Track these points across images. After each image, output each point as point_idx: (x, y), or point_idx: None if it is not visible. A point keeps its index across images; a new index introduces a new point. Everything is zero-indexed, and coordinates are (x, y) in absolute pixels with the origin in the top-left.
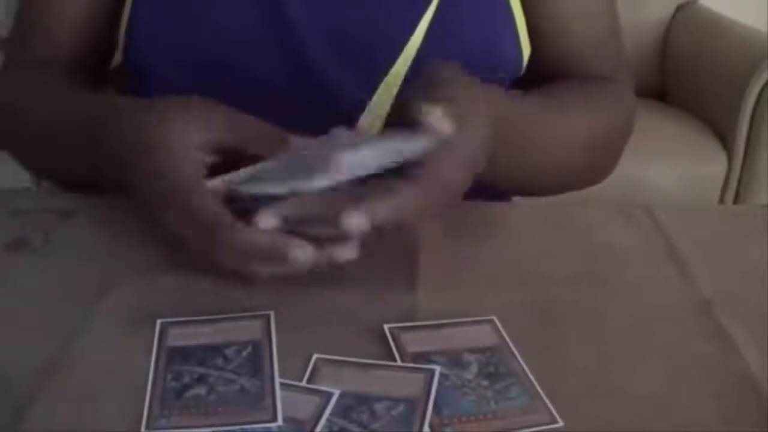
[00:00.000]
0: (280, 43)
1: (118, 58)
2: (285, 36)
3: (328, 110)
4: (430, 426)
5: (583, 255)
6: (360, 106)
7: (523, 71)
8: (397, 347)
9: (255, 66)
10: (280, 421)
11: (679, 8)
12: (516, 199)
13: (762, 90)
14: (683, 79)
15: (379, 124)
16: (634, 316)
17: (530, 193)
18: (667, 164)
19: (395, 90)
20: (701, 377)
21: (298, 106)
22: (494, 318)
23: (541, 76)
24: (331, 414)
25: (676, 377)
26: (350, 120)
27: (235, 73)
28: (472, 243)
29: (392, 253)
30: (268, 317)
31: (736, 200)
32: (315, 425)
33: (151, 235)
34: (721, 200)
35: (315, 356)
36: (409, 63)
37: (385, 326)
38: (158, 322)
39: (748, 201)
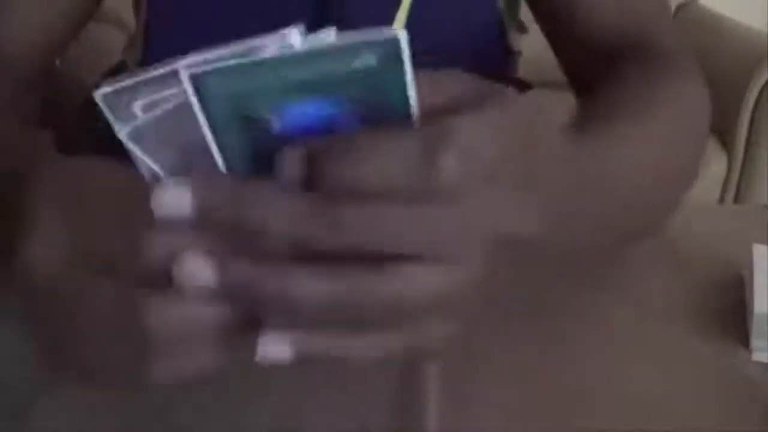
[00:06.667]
0: None
1: (137, 54)
2: None
3: None
4: None
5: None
6: None
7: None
8: None
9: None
10: None
11: (679, 8)
12: None
13: (762, 90)
14: None
15: None
16: (634, 316)
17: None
18: None
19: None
20: (701, 377)
21: None
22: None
23: (582, 69)
24: None
25: (675, 377)
26: None
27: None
28: None
29: None
30: None
31: (736, 200)
32: None
33: None
34: (721, 200)
35: None
36: None
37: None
38: None
39: (748, 201)
